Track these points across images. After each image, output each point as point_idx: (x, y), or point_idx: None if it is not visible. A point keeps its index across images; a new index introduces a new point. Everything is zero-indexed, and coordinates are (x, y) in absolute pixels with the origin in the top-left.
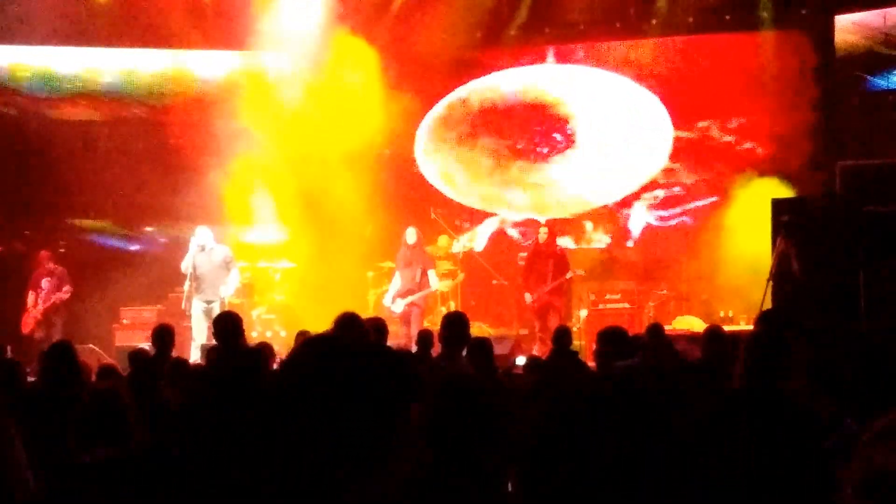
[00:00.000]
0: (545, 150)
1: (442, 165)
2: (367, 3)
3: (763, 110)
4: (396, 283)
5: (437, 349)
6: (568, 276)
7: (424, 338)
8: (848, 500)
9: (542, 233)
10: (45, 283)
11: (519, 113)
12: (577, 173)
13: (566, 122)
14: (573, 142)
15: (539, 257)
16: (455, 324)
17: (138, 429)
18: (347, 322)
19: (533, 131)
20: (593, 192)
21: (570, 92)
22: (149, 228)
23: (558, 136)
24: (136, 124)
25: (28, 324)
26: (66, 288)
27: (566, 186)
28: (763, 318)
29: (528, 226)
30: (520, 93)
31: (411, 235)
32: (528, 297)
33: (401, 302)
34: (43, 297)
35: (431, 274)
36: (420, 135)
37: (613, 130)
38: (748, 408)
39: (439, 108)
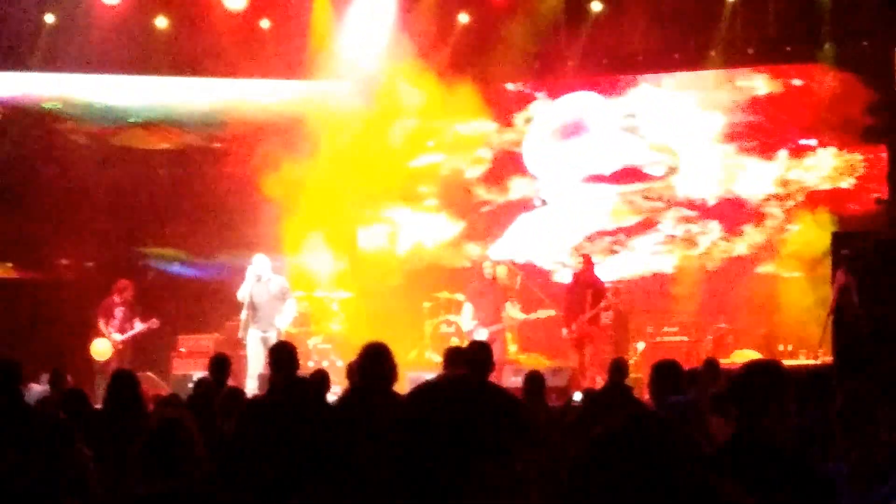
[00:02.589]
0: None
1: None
2: (428, 32)
3: (825, 143)
4: (469, 311)
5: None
6: (602, 304)
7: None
8: None
9: (579, 262)
10: (118, 312)
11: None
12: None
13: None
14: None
15: (577, 287)
16: (479, 353)
17: (203, 459)
18: (374, 352)
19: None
20: None
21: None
22: (207, 256)
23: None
24: (196, 153)
25: (103, 353)
26: (154, 320)
27: None
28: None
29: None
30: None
31: (489, 269)
32: (564, 331)
33: (484, 330)
34: (117, 326)
35: (509, 306)
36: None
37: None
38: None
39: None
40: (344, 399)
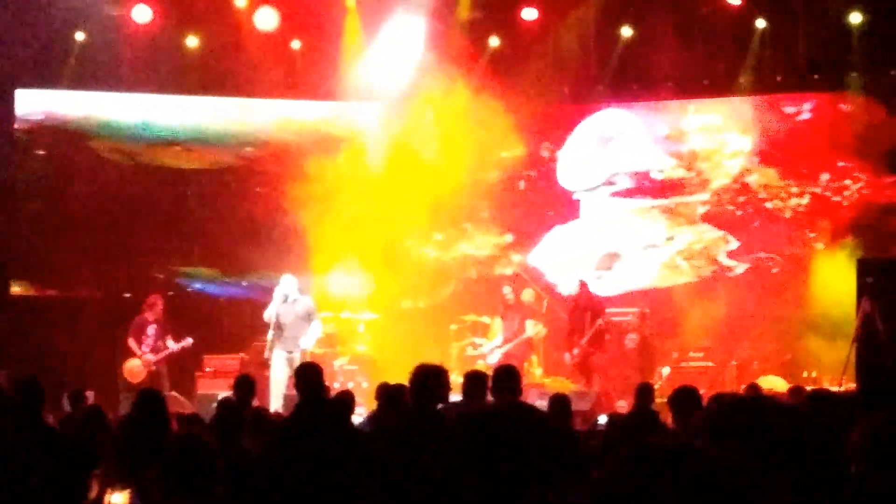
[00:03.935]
0: None
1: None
2: (459, 51)
3: (855, 170)
4: (499, 337)
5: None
6: (598, 324)
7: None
8: None
9: (575, 287)
10: (150, 330)
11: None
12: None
13: None
14: None
15: (576, 312)
16: (505, 375)
17: (222, 478)
18: (429, 373)
19: None
20: None
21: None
22: (235, 276)
23: None
24: (227, 172)
25: (138, 374)
26: (189, 340)
27: None
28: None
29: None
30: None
31: (508, 293)
32: (567, 356)
33: (497, 352)
34: (150, 346)
35: (528, 323)
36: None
37: None
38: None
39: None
40: (388, 419)
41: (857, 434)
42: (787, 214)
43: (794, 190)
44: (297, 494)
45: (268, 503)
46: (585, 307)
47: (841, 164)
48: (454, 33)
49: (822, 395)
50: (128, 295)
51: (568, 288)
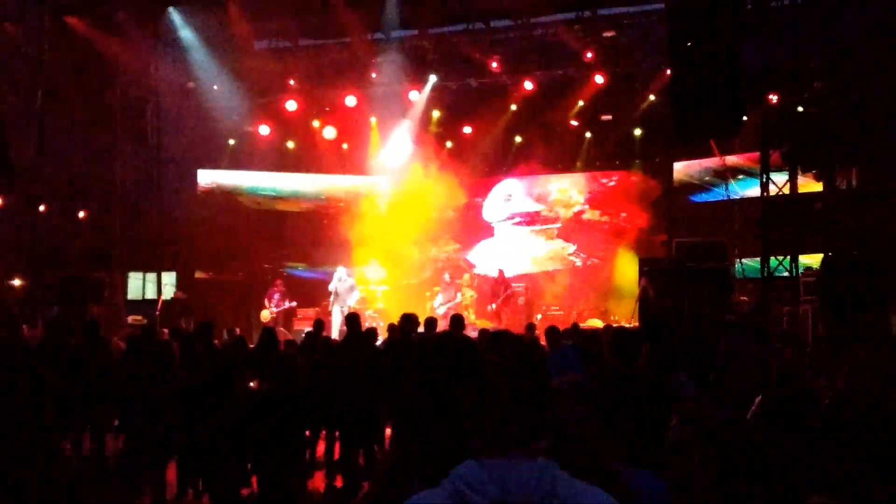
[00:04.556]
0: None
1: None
2: (431, 149)
3: (639, 211)
4: (440, 298)
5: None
6: (508, 292)
7: (429, 323)
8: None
9: (496, 272)
10: (276, 296)
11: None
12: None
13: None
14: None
15: (496, 284)
16: (456, 320)
17: (303, 375)
18: (409, 317)
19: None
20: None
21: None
22: (314, 266)
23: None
24: (307, 212)
25: (267, 318)
26: (294, 303)
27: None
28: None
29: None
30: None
31: (446, 276)
32: (488, 308)
33: (442, 308)
34: (275, 304)
35: (458, 294)
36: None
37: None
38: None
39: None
40: (392, 342)
41: (643, 355)
42: (603, 234)
43: (607, 221)
44: (347, 381)
45: (331, 385)
46: (501, 283)
47: (631, 208)
48: (428, 137)
49: (622, 330)
50: (240, 278)
51: (490, 272)
